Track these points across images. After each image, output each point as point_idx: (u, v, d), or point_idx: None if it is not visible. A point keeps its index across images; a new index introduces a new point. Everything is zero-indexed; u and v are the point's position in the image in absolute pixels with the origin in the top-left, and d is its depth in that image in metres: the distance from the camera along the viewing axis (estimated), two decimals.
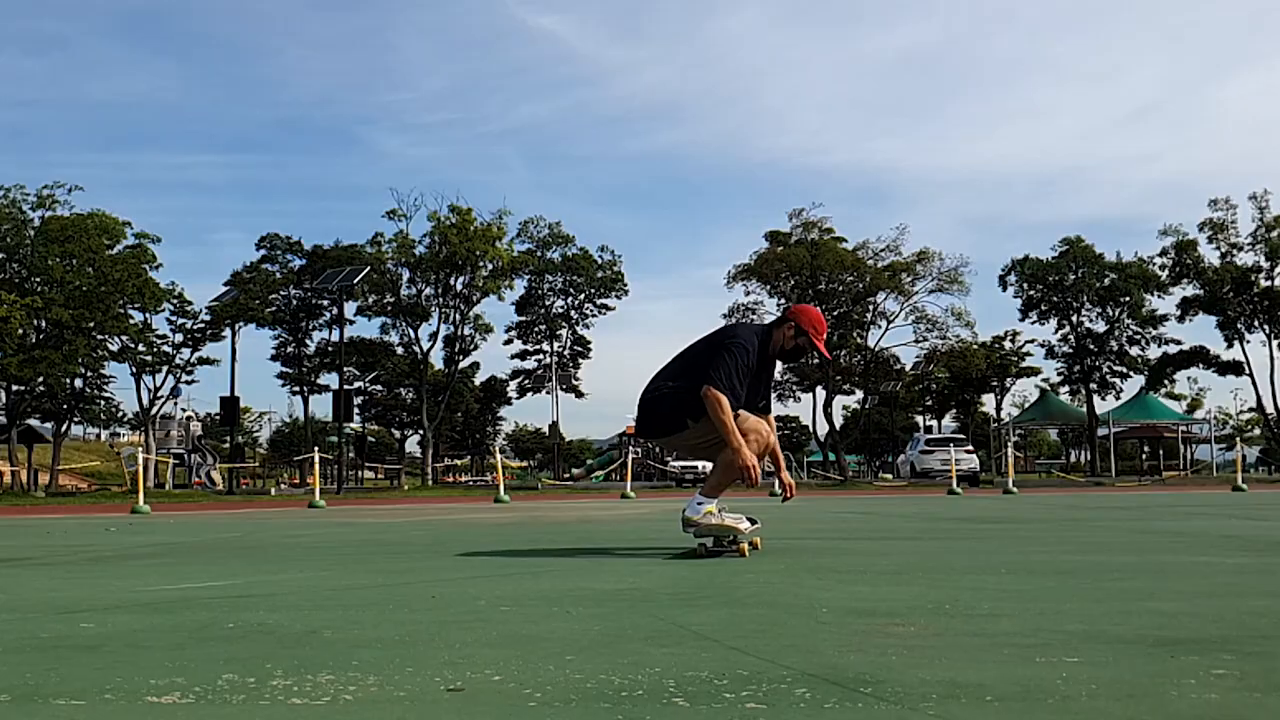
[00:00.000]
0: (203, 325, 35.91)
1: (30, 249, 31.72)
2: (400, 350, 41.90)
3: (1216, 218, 37.56)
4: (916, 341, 41.85)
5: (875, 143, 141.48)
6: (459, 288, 38.74)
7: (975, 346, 43.24)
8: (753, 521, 4.41)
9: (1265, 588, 3.15)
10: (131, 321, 33.53)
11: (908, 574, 3.61)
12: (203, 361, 36.89)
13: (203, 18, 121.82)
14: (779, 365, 4.91)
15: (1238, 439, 38.70)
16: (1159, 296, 40.16)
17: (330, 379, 43.55)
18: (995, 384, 49.82)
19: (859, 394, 44.99)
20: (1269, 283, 37.25)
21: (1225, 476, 29.97)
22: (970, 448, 33.50)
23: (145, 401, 35.73)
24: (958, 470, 21.06)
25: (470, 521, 8.69)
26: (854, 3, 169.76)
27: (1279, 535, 5.67)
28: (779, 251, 39.13)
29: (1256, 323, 37.74)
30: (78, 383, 33.95)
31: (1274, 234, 36.69)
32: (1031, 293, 41.33)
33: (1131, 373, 41.81)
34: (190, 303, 35.75)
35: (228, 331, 34.15)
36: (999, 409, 52.01)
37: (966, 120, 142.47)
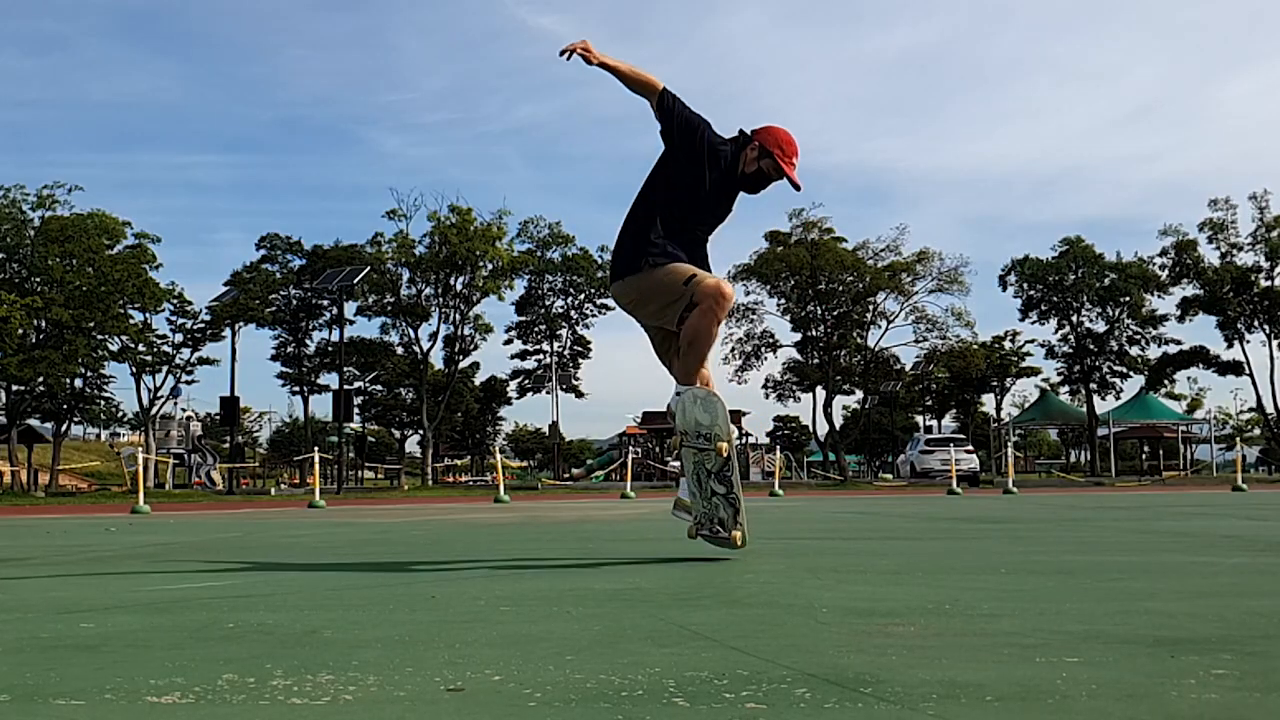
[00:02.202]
0: (203, 325, 35.94)
1: (30, 249, 31.74)
2: (400, 350, 41.93)
3: (1216, 218, 37.61)
4: (916, 341, 41.92)
5: (875, 143, 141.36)
6: (459, 288, 38.77)
7: (975, 346, 43.26)
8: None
9: (1265, 588, 3.14)
10: (131, 321, 33.54)
11: (908, 574, 3.60)
12: (203, 361, 36.96)
13: (203, 18, 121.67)
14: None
15: (1238, 439, 38.65)
16: (1159, 296, 40.23)
17: (330, 379, 43.56)
18: (995, 384, 49.85)
19: (859, 394, 45.02)
20: (1269, 283, 37.28)
21: (1225, 476, 29.97)
22: (970, 448, 33.53)
23: (145, 401, 35.75)
24: (958, 470, 21.07)
25: (470, 521, 8.69)
26: (854, 3, 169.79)
27: (1279, 535, 5.66)
28: (779, 251, 39.15)
29: (1256, 323, 37.76)
30: (78, 383, 33.97)
31: (1274, 234, 36.71)
32: (1031, 293, 41.36)
33: (1131, 373, 41.84)
34: (190, 303, 35.81)
35: (228, 331, 34.19)
36: (999, 409, 52.07)
37: (966, 120, 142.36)
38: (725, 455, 3.81)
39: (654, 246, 3.83)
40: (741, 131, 3.96)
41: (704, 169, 3.85)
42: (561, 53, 3.77)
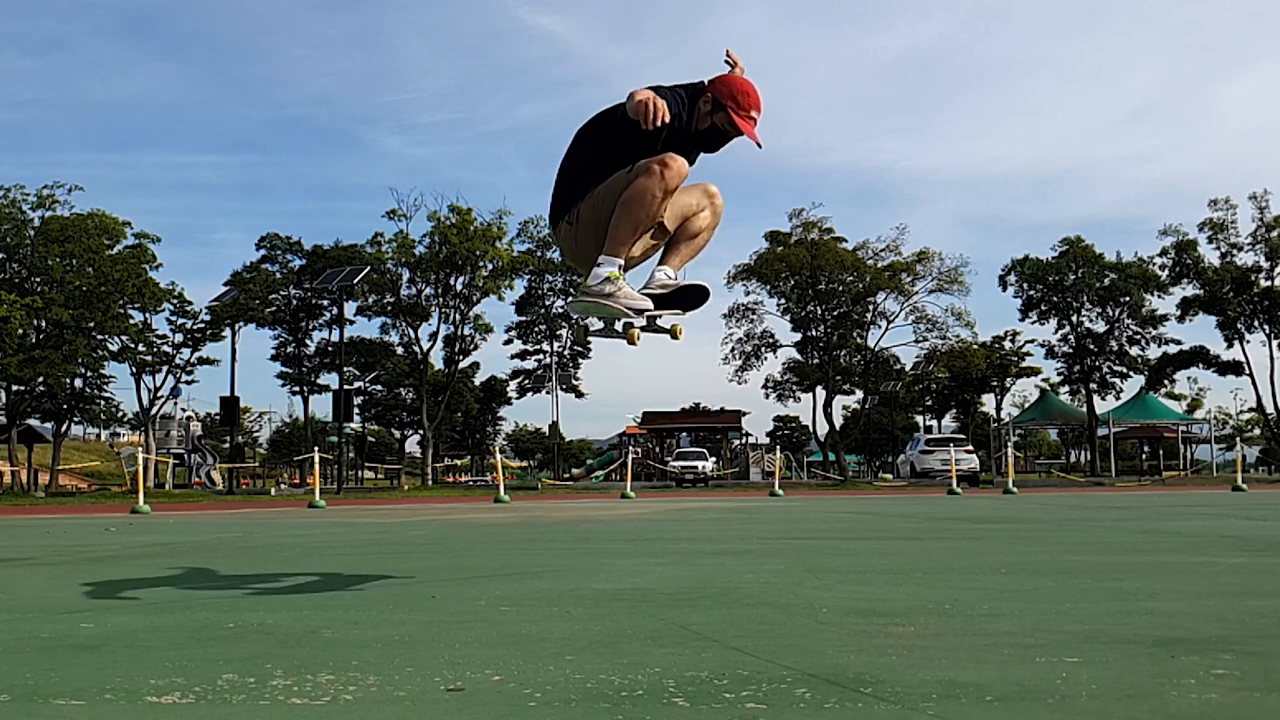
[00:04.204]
0: (203, 325, 35.92)
1: (30, 249, 31.73)
2: (400, 350, 41.92)
3: (1216, 218, 37.60)
4: (916, 341, 41.89)
5: (875, 143, 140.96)
6: (459, 288, 38.76)
7: (975, 346, 43.23)
8: (687, 299, 3.47)
9: (1265, 588, 3.15)
10: (131, 321, 33.53)
11: (908, 574, 3.60)
12: (203, 361, 36.93)
13: (203, 18, 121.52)
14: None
15: (1238, 439, 38.64)
16: (1159, 296, 40.19)
17: (330, 379, 43.53)
18: (995, 384, 49.81)
19: (859, 394, 45.01)
20: (1269, 283, 37.26)
21: (1225, 476, 29.97)
22: (970, 448, 33.49)
23: (145, 401, 35.74)
24: (958, 470, 21.06)
25: (470, 521, 8.69)
26: (854, 3, 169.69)
27: (1279, 535, 5.67)
28: (779, 251, 39.14)
29: (1256, 323, 37.76)
30: (78, 383, 33.94)
31: (1274, 234, 36.71)
32: (1031, 293, 41.33)
33: (1131, 373, 41.82)
34: (190, 303, 35.78)
35: (228, 331, 34.18)
36: (999, 409, 52.01)
37: (966, 120, 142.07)
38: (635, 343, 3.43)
39: (602, 176, 3.34)
40: (701, 83, 3.47)
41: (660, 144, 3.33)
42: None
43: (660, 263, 3.48)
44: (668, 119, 3.07)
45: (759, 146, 3.36)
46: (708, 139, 3.39)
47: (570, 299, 3.21)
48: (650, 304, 3.31)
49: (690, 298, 3.44)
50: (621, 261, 3.27)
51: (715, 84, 3.37)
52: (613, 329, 3.42)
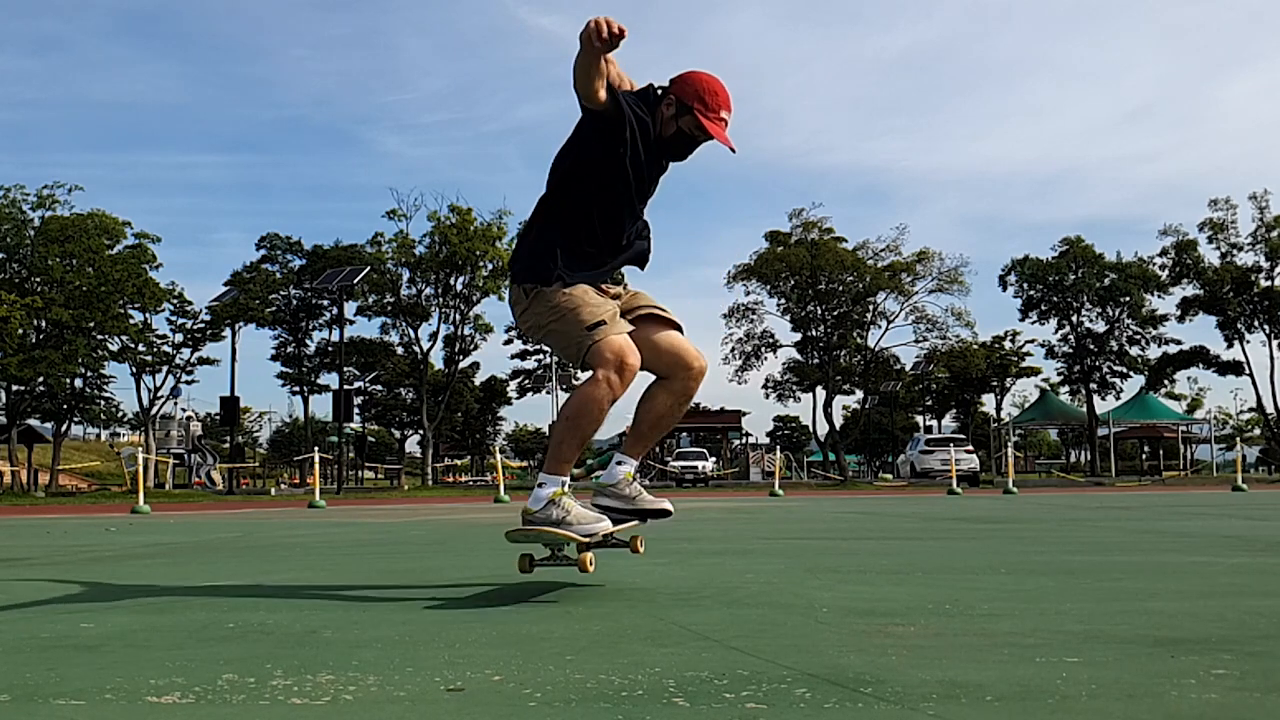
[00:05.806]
0: (203, 325, 35.95)
1: (30, 249, 31.76)
2: (400, 350, 41.96)
3: (1216, 218, 37.63)
4: (916, 341, 41.92)
5: (875, 143, 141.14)
6: (459, 288, 38.77)
7: (975, 346, 43.25)
8: (645, 516, 3.11)
9: (1265, 588, 3.14)
10: (131, 321, 33.56)
11: (908, 574, 3.60)
12: (203, 361, 36.97)
13: (203, 18, 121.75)
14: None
15: (1238, 439, 38.67)
16: (1159, 296, 40.23)
17: (330, 379, 43.56)
18: (995, 384, 49.82)
19: (859, 394, 45.01)
20: (1269, 283, 37.28)
21: (1225, 476, 29.97)
22: (970, 448, 33.50)
23: (145, 401, 35.76)
24: (958, 470, 21.07)
25: (470, 521, 8.69)
26: (854, 3, 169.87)
27: (1279, 535, 5.66)
28: (779, 251, 39.15)
29: (1256, 323, 37.78)
30: (78, 383, 33.97)
31: (1274, 234, 36.73)
32: (1031, 293, 41.36)
33: (1131, 373, 41.85)
34: (190, 303, 35.82)
35: (228, 331, 34.20)
36: (999, 409, 52.02)
37: (966, 120, 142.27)
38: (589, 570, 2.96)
39: (570, 255, 2.98)
40: (651, 86, 3.09)
41: (640, 155, 3.04)
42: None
43: (622, 449, 3.17)
44: (624, 31, 2.69)
45: (732, 151, 3.04)
46: (675, 146, 3.06)
47: (511, 529, 2.92)
48: (609, 524, 2.96)
49: (650, 512, 3.10)
50: (566, 479, 2.94)
51: (677, 84, 3.03)
52: (561, 556, 3.03)
